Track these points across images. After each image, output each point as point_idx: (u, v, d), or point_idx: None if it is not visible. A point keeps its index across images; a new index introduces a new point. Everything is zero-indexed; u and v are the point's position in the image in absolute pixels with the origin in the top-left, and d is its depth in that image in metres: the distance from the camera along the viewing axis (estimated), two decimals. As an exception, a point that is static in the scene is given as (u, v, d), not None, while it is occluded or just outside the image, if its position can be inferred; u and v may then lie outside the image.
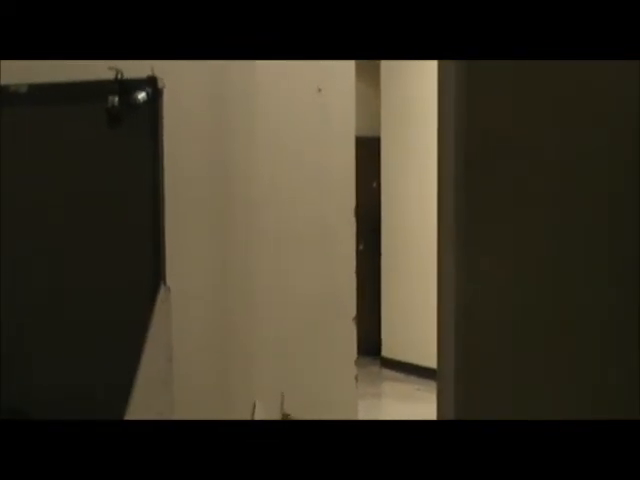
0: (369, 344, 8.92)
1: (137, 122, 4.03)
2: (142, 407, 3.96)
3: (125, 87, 3.96)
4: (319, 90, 4.46)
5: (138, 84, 3.98)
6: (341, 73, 4.51)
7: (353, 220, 4.62)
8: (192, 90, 4.19)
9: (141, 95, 4.00)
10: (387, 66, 9.28)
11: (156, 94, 4.03)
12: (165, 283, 4.08)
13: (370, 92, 9.45)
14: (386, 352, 9.48)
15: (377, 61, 9.20)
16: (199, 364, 4.20)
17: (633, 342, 2.06)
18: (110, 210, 4.16)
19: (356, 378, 4.66)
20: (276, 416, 4.35)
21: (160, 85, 4.03)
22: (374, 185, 9.55)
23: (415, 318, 8.69)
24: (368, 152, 8.72)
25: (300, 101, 4.47)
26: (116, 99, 3.96)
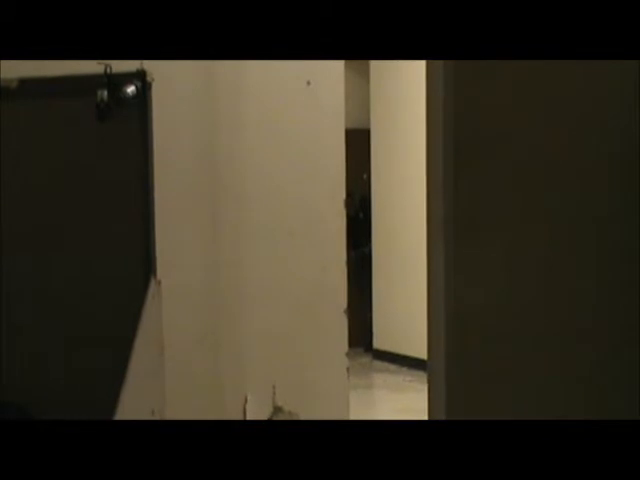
0: (360, 336, 8.93)
1: (126, 115, 4.03)
2: (134, 400, 3.96)
3: (114, 81, 3.96)
4: (308, 83, 4.46)
5: (127, 78, 3.98)
6: (330, 66, 4.50)
7: (344, 212, 4.63)
8: (181, 83, 4.18)
9: (130, 89, 4.00)
10: (376, 58, 9.27)
11: (145, 87, 4.03)
12: (156, 276, 4.08)
13: (360, 84, 9.44)
14: (377, 344, 9.50)
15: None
16: (190, 357, 4.20)
17: (633, 341, 2.06)
18: (100, 204, 4.16)
19: (347, 370, 4.67)
20: (268, 409, 4.36)
21: (149, 79, 4.03)
22: (364, 177, 9.55)
23: (406, 310, 8.69)
24: (358, 144, 8.72)
25: (289, 94, 4.46)
26: (105, 93, 3.95)
